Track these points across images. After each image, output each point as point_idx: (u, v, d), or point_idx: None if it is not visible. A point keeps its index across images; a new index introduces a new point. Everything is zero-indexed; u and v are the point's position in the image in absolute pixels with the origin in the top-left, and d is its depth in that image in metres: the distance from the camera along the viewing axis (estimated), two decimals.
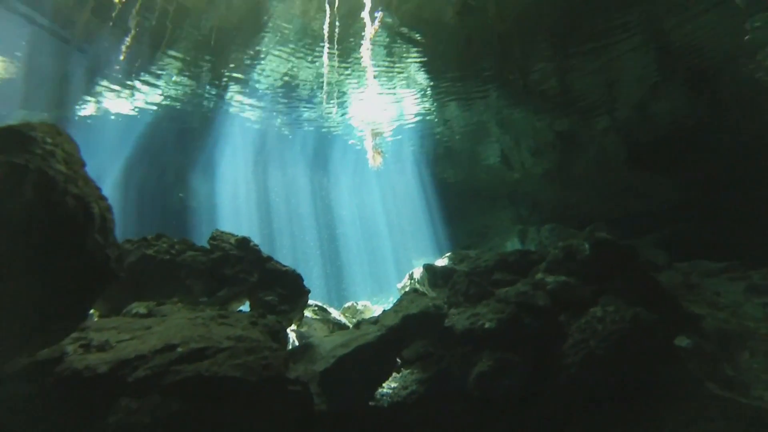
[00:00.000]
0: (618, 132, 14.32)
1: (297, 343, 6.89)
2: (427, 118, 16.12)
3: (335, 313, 8.54)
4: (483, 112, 15.13)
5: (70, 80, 12.75)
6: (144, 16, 9.92)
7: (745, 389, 5.41)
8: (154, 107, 15.05)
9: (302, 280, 7.11)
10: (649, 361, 5.41)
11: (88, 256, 3.29)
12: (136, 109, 15.12)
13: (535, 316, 6.00)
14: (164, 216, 19.63)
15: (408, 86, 13.86)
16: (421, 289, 8.71)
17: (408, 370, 6.10)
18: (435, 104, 15.05)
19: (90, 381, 3.29)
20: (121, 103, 14.61)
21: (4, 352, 3.09)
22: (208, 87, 13.98)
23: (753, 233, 10.80)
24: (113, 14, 9.79)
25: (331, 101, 14.78)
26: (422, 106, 15.23)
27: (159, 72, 12.84)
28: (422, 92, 14.26)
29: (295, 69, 12.78)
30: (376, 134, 16.81)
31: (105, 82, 13.24)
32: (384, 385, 5.72)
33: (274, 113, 16.16)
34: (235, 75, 13.20)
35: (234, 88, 14.07)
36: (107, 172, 18.32)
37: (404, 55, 12.02)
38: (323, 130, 17.75)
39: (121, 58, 11.74)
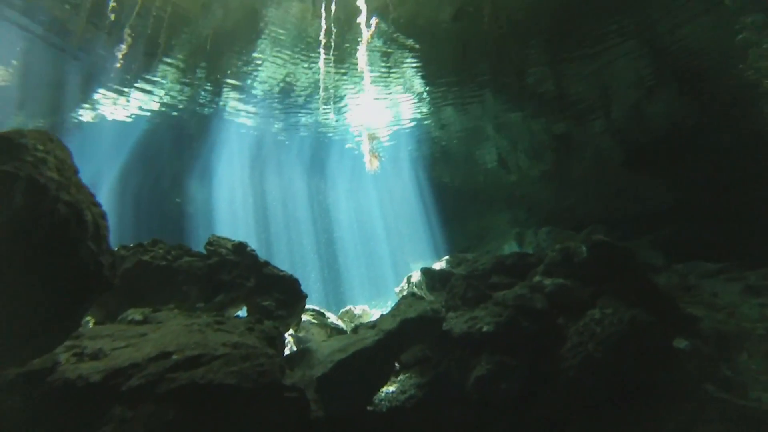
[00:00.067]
0: (614, 134, 14.39)
1: (295, 348, 6.86)
2: (424, 121, 16.18)
3: (333, 318, 8.50)
4: (480, 115, 15.18)
5: (66, 87, 12.76)
6: (140, 24, 9.94)
7: (743, 390, 5.40)
8: (151, 113, 15.05)
9: (299, 284, 7.08)
10: (647, 363, 5.40)
11: (80, 264, 3.26)
12: (133, 116, 15.11)
13: (533, 319, 5.98)
14: (161, 222, 19.56)
15: (404, 91, 13.92)
16: (419, 293, 8.69)
17: (406, 375, 6.07)
18: (432, 108, 15.10)
19: (83, 390, 3.25)
20: (118, 109, 14.61)
21: None
22: (204, 93, 14.00)
23: (750, 234, 10.82)
24: (108, 22, 9.81)
25: (328, 106, 14.82)
26: (419, 110, 15.28)
27: (155, 79, 12.86)
28: (419, 96, 14.31)
29: (291, 74, 12.82)
30: (372, 138, 16.81)
31: (101, 90, 13.25)
32: (382, 389, 5.69)
33: (271, 118, 16.18)
34: (231, 81, 13.23)
35: (230, 94, 14.09)
36: (104, 178, 18.28)
37: (400, 60, 12.09)
38: (320, 134, 17.78)
39: (118, 65, 11.76)
